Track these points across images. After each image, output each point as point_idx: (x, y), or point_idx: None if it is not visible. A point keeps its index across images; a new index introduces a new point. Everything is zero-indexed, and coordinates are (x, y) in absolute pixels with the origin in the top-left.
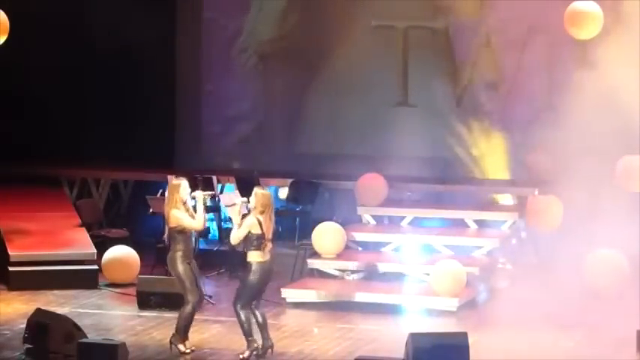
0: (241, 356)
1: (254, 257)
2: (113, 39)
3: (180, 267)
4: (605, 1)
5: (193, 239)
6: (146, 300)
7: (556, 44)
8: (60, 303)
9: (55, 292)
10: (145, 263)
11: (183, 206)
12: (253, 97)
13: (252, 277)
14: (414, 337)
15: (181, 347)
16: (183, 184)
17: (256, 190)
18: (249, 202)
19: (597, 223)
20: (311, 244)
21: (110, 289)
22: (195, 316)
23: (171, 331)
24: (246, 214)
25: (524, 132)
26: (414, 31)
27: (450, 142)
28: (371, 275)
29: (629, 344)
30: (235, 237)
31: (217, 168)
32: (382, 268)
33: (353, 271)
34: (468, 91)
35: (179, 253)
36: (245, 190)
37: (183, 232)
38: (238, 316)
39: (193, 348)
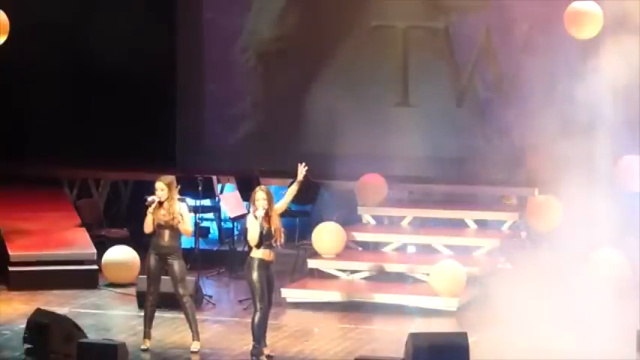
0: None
1: None
2: (113, 39)
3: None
4: (606, 1)
5: (166, 236)
6: None
7: (556, 44)
8: (60, 303)
9: (55, 292)
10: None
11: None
12: (253, 96)
13: None
14: (414, 337)
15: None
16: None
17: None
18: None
19: (597, 223)
20: (311, 244)
21: (110, 289)
22: (196, 317)
23: (171, 330)
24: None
25: (524, 132)
26: (414, 31)
27: (449, 142)
28: (371, 275)
29: (629, 344)
30: None
31: (217, 168)
32: (382, 268)
33: (353, 271)
34: (468, 91)
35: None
36: (245, 190)
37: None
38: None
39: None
